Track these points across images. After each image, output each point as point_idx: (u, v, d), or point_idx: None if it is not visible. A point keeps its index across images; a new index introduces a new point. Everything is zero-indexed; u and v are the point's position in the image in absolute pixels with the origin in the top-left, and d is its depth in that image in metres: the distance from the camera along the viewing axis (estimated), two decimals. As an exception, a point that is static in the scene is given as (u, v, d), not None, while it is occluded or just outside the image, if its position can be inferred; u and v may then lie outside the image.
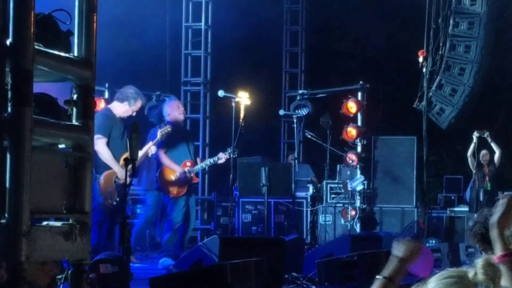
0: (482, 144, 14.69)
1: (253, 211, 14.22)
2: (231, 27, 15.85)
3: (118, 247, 9.96)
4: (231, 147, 11.34)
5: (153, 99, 13.98)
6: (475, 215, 15.04)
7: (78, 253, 3.70)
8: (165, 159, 11.11)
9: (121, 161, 10.10)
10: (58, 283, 4.07)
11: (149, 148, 10.69)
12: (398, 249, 3.23)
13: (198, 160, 11.78)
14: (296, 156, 11.81)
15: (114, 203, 9.98)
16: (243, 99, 10.89)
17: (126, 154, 10.14)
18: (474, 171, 14.86)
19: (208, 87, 16.44)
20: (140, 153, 10.16)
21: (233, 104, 10.71)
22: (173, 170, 11.12)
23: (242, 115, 10.74)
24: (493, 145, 14.62)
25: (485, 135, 14.52)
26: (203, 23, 16.35)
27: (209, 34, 16.47)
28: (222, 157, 11.41)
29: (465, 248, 12.31)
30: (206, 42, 16.41)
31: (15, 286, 3.33)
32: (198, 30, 16.48)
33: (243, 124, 10.67)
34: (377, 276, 3.20)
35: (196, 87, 16.54)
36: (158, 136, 10.69)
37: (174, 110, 11.37)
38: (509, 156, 16.37)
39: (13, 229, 3.33)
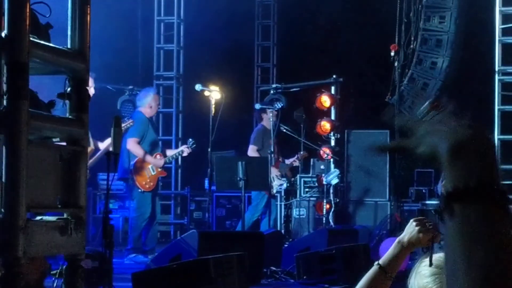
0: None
1: (227, 206, 14.22)
2: (203, 21, 15.81)
3: (96, 242, 9.93)
4: (191, 139, 11.36)
5: (126, 93, 13.90)
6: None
7: (74, 248, 3.66)
8: (140, 151, 11.00)
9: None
10: (53, 278, 4.02)
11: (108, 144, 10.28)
12: (405, 233, 2.87)
13: (168, 151, 11.74)
14: (272, 150, 11.82)
15: None
16: (215, 93, 10.86)
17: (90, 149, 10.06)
18: (445, 165, 14.98)
19: (181, 81, 16.39)
20: (102, 145, 10.05)
21: (211, 98, 10.69)
22: (148, 162, 11.03)
23: (213, 110, 10.71)
24: (464, 138, 14.74)
25: (456, 129, 14.63)
26: (175, 17, 16.30)
27: (182, 28, 16.42)
28: (185, 150, 11.40)
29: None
30: (178, 36, 16.36)
31: (12, 281, 3.29)
32: (170, 24, 16.42)
33: (214, 118, 10.65)
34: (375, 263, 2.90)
35: (169, 81, 16.48)
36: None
37: (156, 105, 11.31)
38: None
39: (9, 224, 3.28)
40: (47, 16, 4.00)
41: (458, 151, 1.32)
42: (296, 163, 13.16)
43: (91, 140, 10.13)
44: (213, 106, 10.78)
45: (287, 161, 12.97)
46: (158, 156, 11.23)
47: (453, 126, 1.36)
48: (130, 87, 14.08)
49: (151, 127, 11.33)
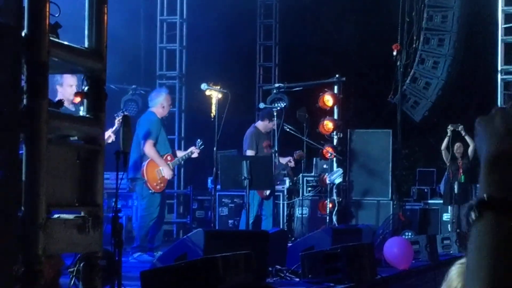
0: (456, 137, 14.83)
1: (230, 204, 14.24)
2: (206, 21, 15.83)
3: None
4: (200, 140, 11.34)
5: (129, 93, 13.92)
6: (449, 207, 15.10)
7: (91, 246, 3.68)
8: (154, 153, 10.97)
9: None
10: (71, 276, 4.05)
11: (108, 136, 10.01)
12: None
13: (177, 152, 11.73)
14: (276, 149, 11.83)
15: None
16: (216, 92, 10.85)
17: None
18: (448, 164, 15.00)
19: (183, 81, 16.41)
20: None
21: (212, 97, 10.69)
22: (159, 165, 11.00)
23: (213, 110, 10.70)
24: (467, 138, 14.76)
25: (459, 129, 14.65)
26: (178, 17, 16.32)
27: (184, 27, 16.44)
28: (194, 151, 11.38)
29: (441, 240, 12.46)
30: (181, 35, 16.38)
31: (32, 279, 3.31)
32: (173, 23, 16.44)
33: (219, 117, 10.65)
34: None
35: (171, 80, 16.50)
36: (116, 125, 10.25)
37: (168, 105, 11.28)
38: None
39: (30, 222, 3.30)
40: (56, 15, 4.02)
41: (497, 160, 1.29)
42: (292, 164, 13.05)
43: None
44: (214, 106, 10.75)
45: (282, 160, 12.84)
46: (169, 158, 11.22)
47: (498, 132, 1.31)
48: (133, 86, 14.10)
49: (162, 128, 11.32)
